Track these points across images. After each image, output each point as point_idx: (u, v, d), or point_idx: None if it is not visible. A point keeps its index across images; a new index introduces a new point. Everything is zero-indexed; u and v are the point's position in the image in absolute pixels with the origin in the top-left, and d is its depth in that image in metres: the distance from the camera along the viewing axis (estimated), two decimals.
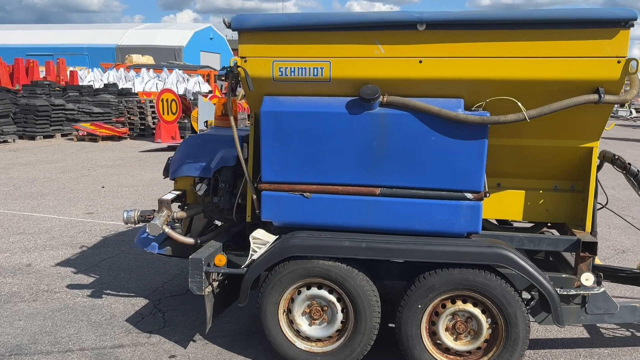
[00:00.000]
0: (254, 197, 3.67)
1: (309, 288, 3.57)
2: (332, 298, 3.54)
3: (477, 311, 3.38)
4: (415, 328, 3.42)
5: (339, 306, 3.54)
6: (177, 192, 4.26)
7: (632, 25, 3.06)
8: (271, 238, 3.61)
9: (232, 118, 3.67)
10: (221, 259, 3.67)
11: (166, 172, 4.36)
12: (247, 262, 3.62)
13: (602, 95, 3.15)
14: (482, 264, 3.31)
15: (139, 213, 4.18)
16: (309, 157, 3.50)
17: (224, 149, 4.04)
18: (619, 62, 3.11)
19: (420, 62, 3.29)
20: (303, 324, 3.61)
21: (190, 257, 3.64)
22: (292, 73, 3.44)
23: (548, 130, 3.50)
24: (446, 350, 3.47)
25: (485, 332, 3.38)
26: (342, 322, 3.56)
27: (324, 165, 3.50)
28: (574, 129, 3.47)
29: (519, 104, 3.22)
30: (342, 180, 3.51)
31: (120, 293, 5.01)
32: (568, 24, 3.12)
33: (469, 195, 3.37)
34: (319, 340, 3.61)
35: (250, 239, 3.61)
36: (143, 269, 5.60)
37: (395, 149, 3.38)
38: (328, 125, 3.44)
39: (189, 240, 4.17)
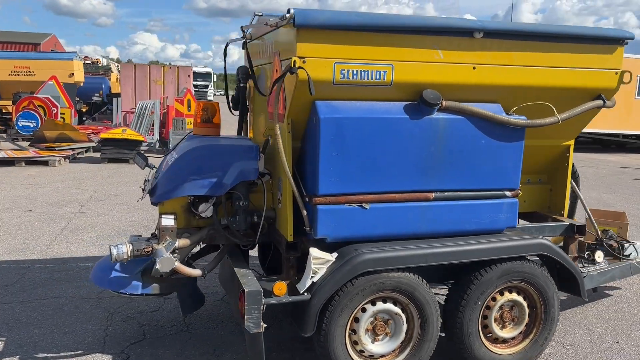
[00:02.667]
0: (304, 213, 3.30)
1: (374, 304, 3.37)
2: (398, 310, 3.41)
3: (520, 299, 3.67)
4: (474, 325, 3.54)
5: (404, 317, 3.43)
6: (172, 217, 3.52)
7: (627, 44, 3.72)
8: (330, 256, 3.29)
9: (277, 126, 3.22)
10: (281, 287, 3.20)
11: (151, 194, 3.54)
12: (307, 286, 3.23)
13: (605, 101, 3.75)
14: (529, 254, 3.60)
15: (131, 247, 3.33)
16: (367, 165, 3.31)
17: (240, 160, 3.50)
18: (616, 73, 3.74)
19: (474, 68, 3.42)
20: (367, 342, 3.39)
21: (246, 290, 3.08)
22: (355, 76, 3.20)
23: (540, 131, 3.98)
24: (495, 340, 3.68)
25: (527, 317, 3.70)
26: (405, 333, 3.46)
27: (382, 173, 3.35)
28: (561, 130, 4.02)
29: (553, 108, 3.61)
30: (398, 187, 3.41)
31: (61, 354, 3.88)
32: (583, 39, 3.62)
33: (507, 193, 3.64)
34: (382, 356, 3.45)
35: (311, 259, 3.23)
36: (57, 317, 4.40)
37: (450, 152, 3.44)
38: (388, 131, 3.31)
39: (198, 272, 3.51)
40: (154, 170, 3.95)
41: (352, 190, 3.32)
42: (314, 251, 3.27)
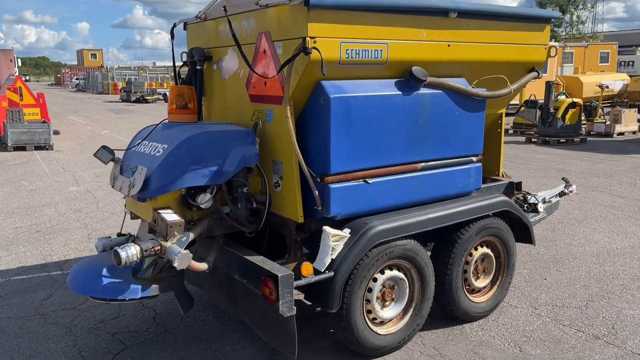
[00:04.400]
0: (316, 193, 3.33)
1: (382, 273, 3.54)
2: (402, 275, 3.63)
3: (489, 251, 4.12)
4: (459, 279, 3.90)
5: (407, 281, 3.66)
6: (171, 211, 3.29)
7: (553, 22, 4.30)
8: (345, 232, 3.37)
9: (288, 108, 3.19)
10: (309, 268, 3.20)
11: (144, 188, 3.23)
12: (327, 264, 3.28)
13: (539, 73, 4.32)
14: (496, 211, 4.05)
15: (139, 248, 3.06)
16: (369, 141, 3.45)
17: (239, 146, 3.37)
18: (545, 48, 4.32)
19: (449, 46, 3.71)
20: (379, 309, 3.56)
21: (280, 275, 3.04)
22: (357, 55, 3.30)
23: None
24: (472, 291, 4.09)
25: (494, 267, 4.18)
26: (408, 296, 3.70)
27: (381, 148, 3.51)
28: (498, 100, 4.54)
29: (507, 80, 4.06)
30: (393, 161, 3.60)
31: None
32: (522, 18, 4.12)
33: (474, 159, 4.04)
34: (390, 320, 3.65)
35: (329, 237, 3.27)
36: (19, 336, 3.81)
37: (432, 124, 3.72)
38: (386, 107, 3.48)
39: (205, 266, 3.35)
40: (118, 165, 3.63)
41: (357, 167, 3.43)
42: (329, 229, 3.32)
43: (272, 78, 3.38)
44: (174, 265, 3.04)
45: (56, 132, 15.66)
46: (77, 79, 61.31)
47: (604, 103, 19.46)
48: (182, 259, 3.05)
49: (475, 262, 4.05)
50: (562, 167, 10.78)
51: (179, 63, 4.18)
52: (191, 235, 3.22)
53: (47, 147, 13.44)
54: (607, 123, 16.64)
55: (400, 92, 3.52)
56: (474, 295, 4.11)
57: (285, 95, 3.20)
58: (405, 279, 3.66)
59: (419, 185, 3.75)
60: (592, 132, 16.41)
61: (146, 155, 3.43)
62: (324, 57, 3.11)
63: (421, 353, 3.64)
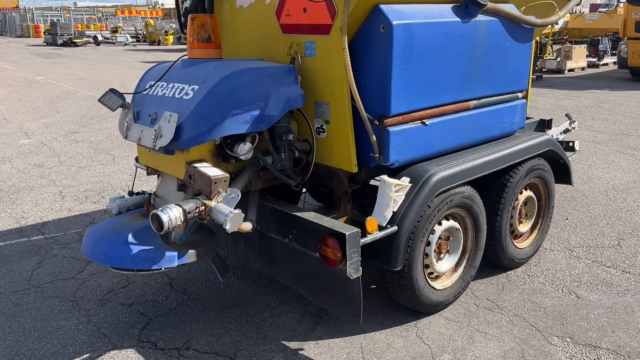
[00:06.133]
0: (373, 138, 2.91)
1: (439, 224, 3.22)
2: (458, 225, 3.33)
3: (532, 194, 3.88)
4: (507, 225, 3.65)
5: (462, 231, 3.36)
6: (208, 164, 2.79)
7: None
8: (406, 182, 2.99)
9: (344, 38, 2.70)
10: (373, 224, 2.82)
11: (175, 140, 2.70)
12: (388, 217, 2.91)
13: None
14: (542, 150, 3.77)
15: (181, 209, 2.56)
16: (428, 76, 3.04)
17: (283, 86, 2.88)
18: None
19: None
20: (435, 262, 3.26)
21: (347, 233, 2.65)
22: None
23: None
24: (516, 237, 3.86)
25: (536, 210, 3.95)
26: (462, 246, 3.41)
27: (438, 84, 3.12)
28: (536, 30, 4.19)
29: (556, 6, 3.70)
30: (449, 99, 3.23)
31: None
32: None
33: (520, 95, 3.72)
34: (444, 273, 3.36)
35: (390, 187, 2.89)
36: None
37: (486, 57, 3.34)
38: (446, 36, 3.07)
39: (250, 226, 2.91)
40: (130, 111, 3.06)
41: (415, 106, 3.03)
42: (389, 179, 2.94)
43: (317, 2, 2.86)
44: (225, 227, 2.58)
45: None
46: None
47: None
48: (234, 220, 2.59)
49: (519, 206, 3.80)
50: (532, 105, 10.74)
51: None
52: (238, 191, 2.75)
53: None
54: (558, 60, 16.79)
55: (459, 20, 3.10)
56: (517, 240, 3.88)
57: (340, 21, 2.70)
58: (460, 229, 3.36)
59: (470, 125, 3.40)
60: (544, 69, 16.53)
61: (169, 99, 2.88)
62: None
63: (477, 306, 3.40)
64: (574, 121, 5.76)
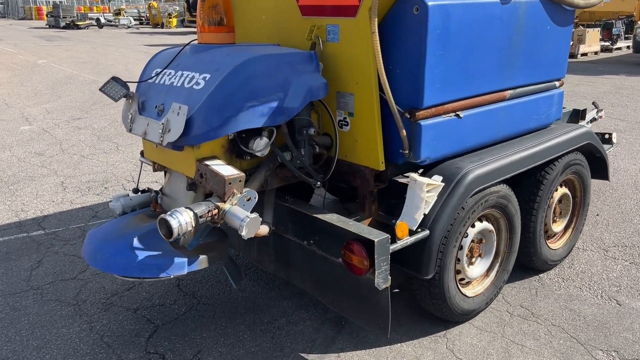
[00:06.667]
0: (403, 133, 2.63)
1: (473, 226, 2.95)
2: (492, 227, 3.06)
3: (567, 190, 3.59)
4: (542, 225, 3.37)
5: (495, 234, 3.09)
6: (222, 162, 2.52)
7: None
8: (438, 181, 2.71)
9: (374, 22, 2.41)
10: (404, 229, 2.56)
11: (185, 135, 2.42)
12: (419, 220, 2.64)
13: None
14: (579, 145, 3.48)
15: (192, 213, 2.30)
16: (464, 63, 2.76)
17: (304, 74, 2.59)
18: None
19: None
20: (467, 268, 3.00)
21: (376, 240, 2.38)
22: None
23: None
24: (549, 237, 3.59)
25: (571, 207, 3.67)
26: (495, 249, 3.14)
27: (474, 71, 2.84)
28: None
29: None
30: (484, 89, 2.94)
31: None
32: None
33: (557, 84, 3.42)
34: (475, 279, 3.10)
35: (422, 187, 2.61)
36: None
37: (525, 42, 3.05)
38: (485, 20, 2.78)
39: (266, 229, 2.64)
40: (135, 101, 2.79)
41: (449, 97, 2.75)
42: (421, 178, 2.66)
43: None
44: (241, 234, 2.32)
45: None
46: None
47: None
48: (251, 225, 2.32)
49: (554, 204, 3.52)
50: None
51: None
52: (255, 193, 2.48)
53: None
54: (571, 43, 16.36)
55: (498, 0, 2.79)
56: (550, 241, 3.61)
57: (369, 1, 2.41)
58: (494, 232, 3.09)
59: (505, 117, 3.11)
60: None
61: (177, 89, 2.60)
62: None
63: (510, 314, 3.14)
64: (601, 109, 5.46)
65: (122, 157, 6.26)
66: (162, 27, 34.43)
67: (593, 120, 5.36)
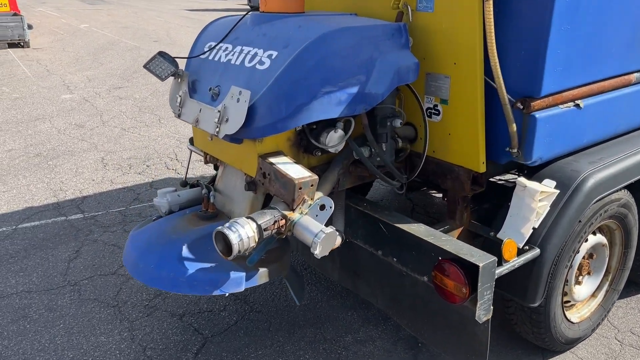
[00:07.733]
0: (513, 127, 2.12)
1: (586, 240, 2.44)
2: (605, 240, 2.54)
3: None
4: None
5: (608, 248, 2.58)
6: (288, 159, 2.08)
7: None
8: (552, 188, 2.20)
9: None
10: (512, 248, 2.07)
11: (247, 126, 1.98)
12: (527, 236, 2.15)
13: None
14: None
15: (255, 225, 1.86)
16: (591, 43, 2.20)
17: (389, 51, 2.10)
18: None
19: None
20: (574, 289, 2.50)
21: (481, 265, 1.91)
22: None
23: None
24: None
25: None
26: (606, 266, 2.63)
27: (600, 52, 2.28)
28: None
29: None
30: (608, 72, 2.38)
31: None
32: None
33: None
34: (580, 301, 2.60)
35: (534, 196, 2.11)
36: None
37: None
38: None
39: (340, 239, 2.19)
40: (184, 81, 2.34)
41: (570, 83, 2.22)
42: (531, 184, 2.16)
43: None
44: (314, 252, 1.88)
45: (29, 27, 13.71)
46: None
47: None
48: (326, 242, 1.87)
49: None
50: None
51: None
52: (331, 201, 2.02)
53: (22, 44, 11.66)
54: None
55: None
56: None
57: None
58: (607, 247, 2.57)
59: (628, 106, 2.56)
60: None
61: (236, 68, 2.14)
62: None
63: (620, 343, 2.64)
64: None
65: (165, 132, 5.90)
66: None
67: None
